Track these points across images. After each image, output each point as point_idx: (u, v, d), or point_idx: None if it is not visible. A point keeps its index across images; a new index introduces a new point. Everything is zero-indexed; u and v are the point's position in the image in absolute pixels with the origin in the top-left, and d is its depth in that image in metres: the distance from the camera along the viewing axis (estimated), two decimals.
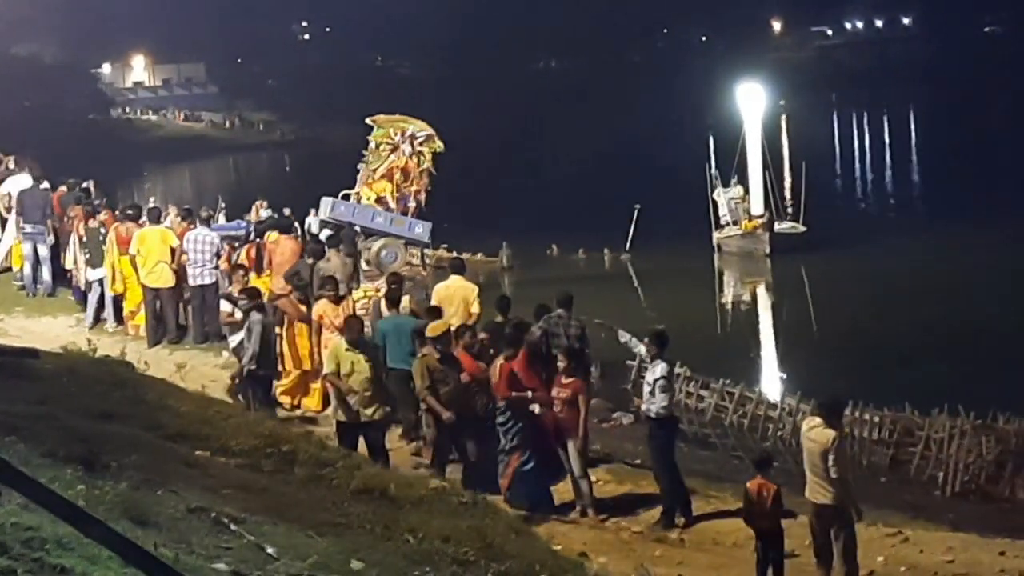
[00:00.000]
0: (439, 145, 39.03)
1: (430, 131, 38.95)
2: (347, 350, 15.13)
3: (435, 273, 35.15)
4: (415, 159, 38.90)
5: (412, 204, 38.82)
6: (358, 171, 39.33)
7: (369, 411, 15.10)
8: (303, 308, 18.54)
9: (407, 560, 8.78)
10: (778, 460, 20.08)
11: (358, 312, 18.41)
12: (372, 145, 39.34)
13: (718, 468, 18.97)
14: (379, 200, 38.73)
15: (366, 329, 16.84)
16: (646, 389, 15.28)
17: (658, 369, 15.15)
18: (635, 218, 44.19)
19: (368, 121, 39.78)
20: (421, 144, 38.96)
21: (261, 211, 37.42)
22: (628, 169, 65.49)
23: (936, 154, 73.31)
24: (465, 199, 41.58)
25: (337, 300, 18.33)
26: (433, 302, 18.27)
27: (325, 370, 15.66)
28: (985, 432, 19.07)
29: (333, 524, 9.26)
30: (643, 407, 15.48)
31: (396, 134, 39.04)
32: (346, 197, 38.84)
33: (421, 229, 39.75)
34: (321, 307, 17.98)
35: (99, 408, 11.16)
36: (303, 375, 18.60)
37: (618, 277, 41.40)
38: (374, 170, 39.19)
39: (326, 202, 39.08)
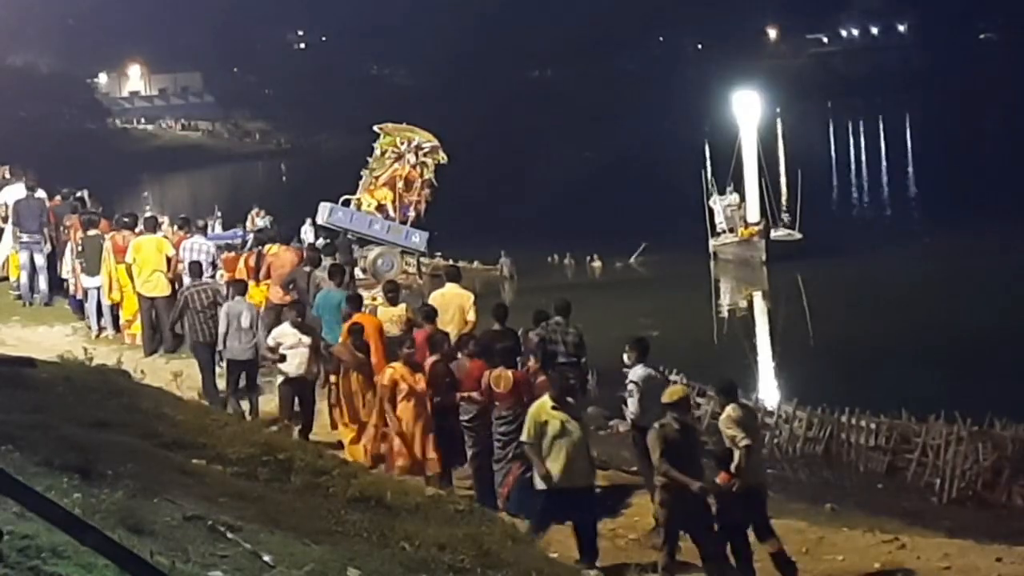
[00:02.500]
0: (443, 157, 39.22)
1: (435, 143, 39.13)
2: (554, 408, 13.24)
3: (431, 281, 35.20)
4: (418, 169, 39.10)
5: (412, 214, 38.97)
6: (361, 177, 39.48)
7: (581, 481, 13.45)
8: (360, 355, 16.66)
9: (403, 568, 8.78)
10: (775, 468, 20.16)
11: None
12: (377, 152, 39.58)
13: (714, 475, 18.95)
14: (379, 207, 38.94)
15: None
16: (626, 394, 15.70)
17: (631, 374, 15.45)
18: (640, 250, 44.25)
19: (376, 128, 39.99)
20: (426, 155, 39.17)
21: (257, 220, 37.49)
22: (624, 177, 65.57)
23: (932, 161, 73.39)
24: (461, 208, 41.57)
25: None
26: None
27: (524, 437, 13.48)
28: (982, 438, 19.06)
29: (329, 532, 9.26)
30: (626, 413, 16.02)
31: (402, 143, 39.26)
32: (346, 203, 38.98)
33: (418, 238, 39.93)
34: (398, 371, 15.68)
35: (95, 417, 11.15)
36: (360, 430, 16.70)
37: (613, 285, 41.40)
38: (377, 177, 39.40)
39: (324, 208, 39.29)
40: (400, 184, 39.12)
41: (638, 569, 13.00)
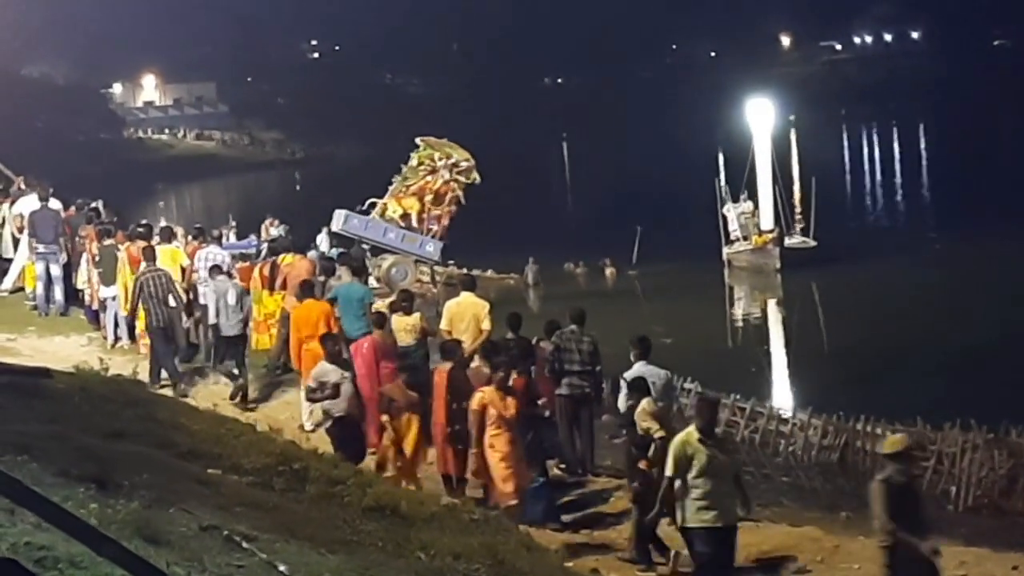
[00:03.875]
0: (476, 177, 39.34)
1: (472, 163, 39.27)
2: (700, 441, 12.07)
3: (446, 290, 35.22)
4: (450, 185, 39.26)
5: (435, 227, 39.10)
6: (391, 183, 39.64)
7: (728, 520, 12.33)
8: (413, 394, 16.05)
9: None
10: (790, 476, 20.14)
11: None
12: (413, 162, 39.79)
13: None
14: (404, 216, 39.09)
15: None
16: None
17: (630, 371, 15.86)
18: (638, 238, 44.20)
19: (417, 140, 40.13)
20: (459, 173, 39.31)
21: (272, 229, 37.53)
22: (637, 185, 65.48)
23: (945, 168, 73.27)
24: (475, 217, 41.54)
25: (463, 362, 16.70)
26: (444, 319, 18.35)
27: (667, 471, 12.26)
28: (997, 446, 19.01)
29: (345, 542, 9.26)
30: None
31: (440, 159, 39.40)
32: (372, 206, 39.13)
33: (432, 247, 40.01)
34: (488, 395, 14.94)
35: (111, 427, 11.17)
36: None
37: (626, 293, 41.36)
38: (408, 186, 39.54)
39: (339, 215, 39.40)
40: (429, 197, 39.30)
41: None
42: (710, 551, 12.17)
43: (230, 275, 22.51)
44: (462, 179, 39.50)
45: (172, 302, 20.58)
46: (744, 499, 12.48)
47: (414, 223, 39.29)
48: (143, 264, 20.83)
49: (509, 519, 13.72)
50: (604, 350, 17.64)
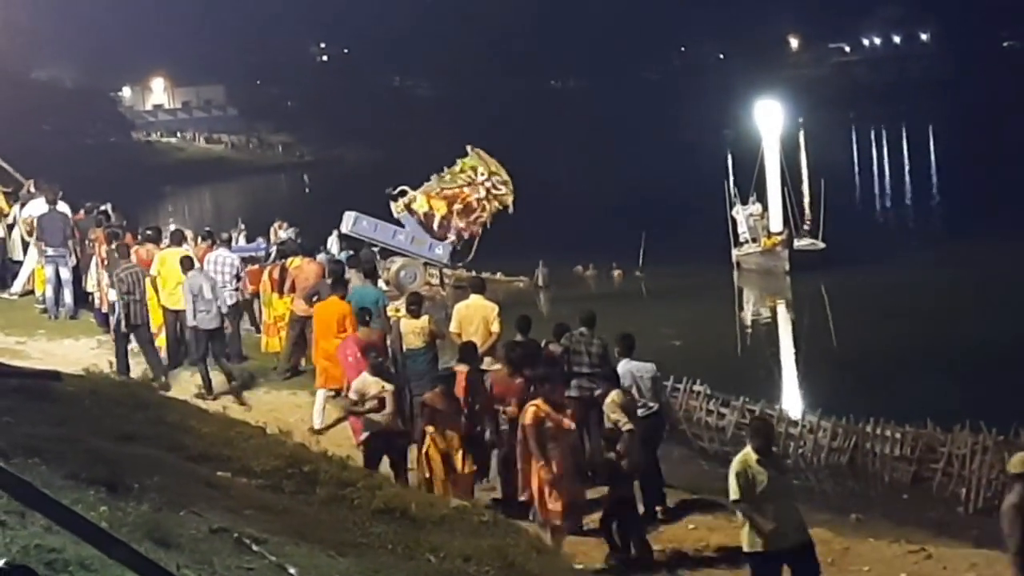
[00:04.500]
0: (509, 204, 39.33)
1: (510, 189, 39.32)
2: (758, 462, 11.60)
3: (455, 293, 35.21)
4: (482, 204, 39.32)
5: (453, 236, 39.15)
6: (428, 179, 39.74)
7: (798, 537, 11.90)
8: (456, 403, 15.63)
9: None
10: (799, 478, 20.12)
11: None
12: (456, 168, 39.78)
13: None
14: (427, 215, 39.14)
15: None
16: None
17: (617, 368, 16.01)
18: (643, 243, 44.20)
19: (468, 148, 40.14)
20: (496, 196, 39.37)
21: (280, 232, 37.51)
22: (646, 187, 65.44)
23: (955, 169, 73.15)
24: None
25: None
26: (454, 321, 18.37)
27: (732, 495, 11.72)
28: (1008, 448, 18.96)
29: (355, 544, 9.27)
30: None
31: (483, 173, 39.47)
32: (403, 193, 39.23)
33: (441, 250, 40.02)
34: (542, 408, 14.16)
35: (121, 430, 11.19)
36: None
37: (636, 295, 41.31)
38: (442, 188, 39.58)
39: (348, 216, 39.42)
40: (458, 206, 39.38)
41: None
42: (775, 572, 11.79)
43: (238, 277, 22.58)
44: (495, 202, 39.60)
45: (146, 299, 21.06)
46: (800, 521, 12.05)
47: (435, 226, 39.37)
48: (119, 262, 21.23)
49: (559, 537, 13.70)
50: (615, 352, 17.61)
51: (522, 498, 14.84)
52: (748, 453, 11.63)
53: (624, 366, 16.17)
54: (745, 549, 11.79)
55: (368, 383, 15.82)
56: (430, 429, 15.09)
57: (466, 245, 40.20)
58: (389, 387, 15.86)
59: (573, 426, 14.29)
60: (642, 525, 14.53)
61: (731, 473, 11.62)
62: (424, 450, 15.21)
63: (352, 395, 16.07)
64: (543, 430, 13.87)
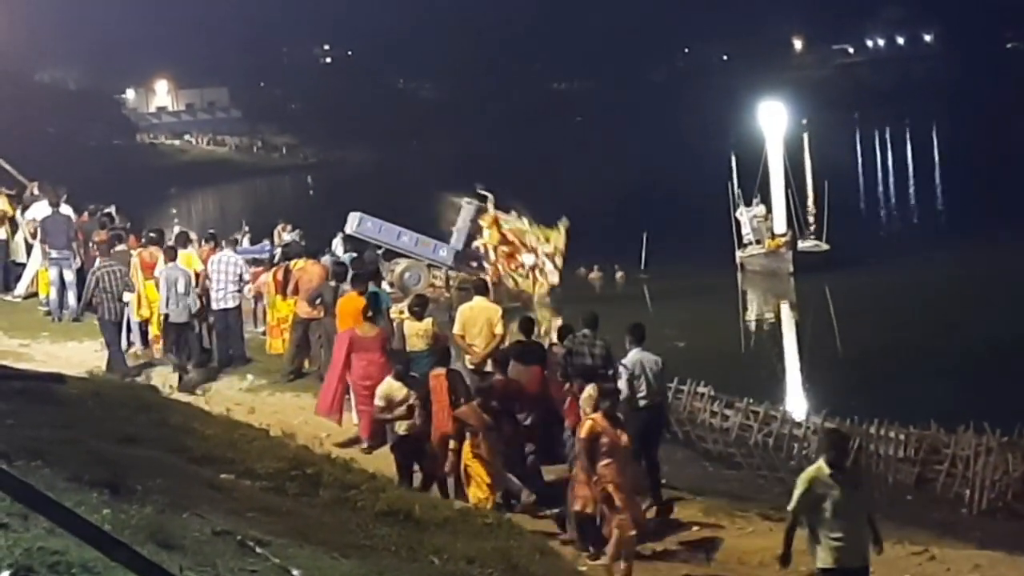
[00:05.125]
0: (540, 291, 39.37)
1: (556, 276, 39.42)
2: (831, 476, 10.92)
3: (460, 295, 35.19)
4: (527, 269, 39.45)
5: (475, 264, 39.28)
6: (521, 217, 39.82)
7: (858, 562, 11.29)
8: (488, 417, 15.02)
9: None
10: None
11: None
12: (540, 230, 39.90)
13: (743, 488, 18.95)
14: (484, 243, 39.43)
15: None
16: None
17: (626, 357, 16.27)
18: (645, 243, 44.20)
19: (564, 222, 40.09)
20: (541, 270, 39.49)
21: (284, 234, 37.53)
22: (650, 188, 65.46)
23: (959, 171, 73.06)
24: None
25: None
26: (458, 323, 18.34)
27: (791, 506, 11.15)
28: (1011, 449, 18.98)
29: (358, 546, 9.27)
30: None
31: (550, 248, 39.65)
32: (484, 198, 39.45)
33: (445, 252, 40.05)
34: (598, 423, 13.65)
35: (124, 432, 11.20)
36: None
37: (640, 297, 41.26)
38: (513, 231, 39.71)
39: (353, 217, 39.46)
40: (505, 250, 39.57)
41: None
42: None
43: (242, 278, 22.57)
44: (533, 279, 39.81)
45: (127, 297, 21.42)
46: (876, 536, 11.36)
47: (482, 251, 39.76)
48: (99, 259, 21.72)
49: (616, 552, 13.37)
50: (618, 353, 17.62)
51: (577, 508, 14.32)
52: (820, 466, 11.02)
53: (636, 355, 16.31)
54: (819, 566, 11.21)
55: (394, 388, 15.63)
56: (453, 445, 14.66)
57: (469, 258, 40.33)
58: (414, 393, 15.65)
59: (627, 441, 13.66)
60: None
61: (798, 484, 11.12)
62: (464, 466, 14.73)
63: (379, 401, 15.76)
64: (598, 445, 13.38)
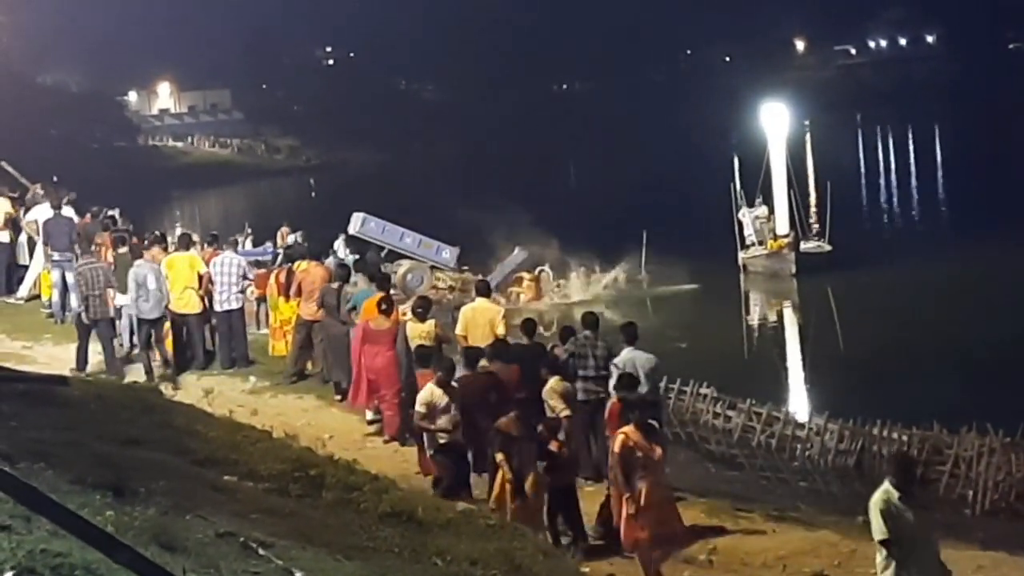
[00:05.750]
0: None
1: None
2: (901, 500, 10.65)
3: (462, 296, 35.17)
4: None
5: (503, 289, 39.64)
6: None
7: None
8: (528, 428, 14.58)
9: None
10: (807, 480, 20.12)
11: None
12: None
13: (745, 488, 18.96)
14: None
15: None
16: None
17: (619, 357, 16.55)
18: (644, 245, 44.20)
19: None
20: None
21: (287, 236, 37.58)
22: (652, 189, 65.45)
23: (961, 172, 73.08)
24: (490, 221, 41.60)
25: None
26: (460, 325, 18.34)
27: (879, 535, 10.70)
28: (1014, 450, 19.00)
29: (361, 548, 9.26)
30: None
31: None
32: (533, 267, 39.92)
33: (448, 254, 40.04)
34: (631, 436, 13.39)
35: (127, 434, 11.19)
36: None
37: (642, 298, 41.26)
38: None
39: (356, 217, 39.46)
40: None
41: None
42: None
43: (245, 277, 22.58)
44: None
45: (120, 299, 21.61)
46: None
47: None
48: (80, 257, 22.05)
49: (650, 566, 13.31)
50: (619, 341, 17.64)
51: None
52: (889, 490, 10.67)
53: (628, 354, 16.56)
54: None
55: (436, 395, 15.19)
56: (500, 457, 14.20)
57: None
58: (452, 401, 15.26)
59: (660, 454, 13.49)
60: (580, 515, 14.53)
61: (874, 512, 10.68)
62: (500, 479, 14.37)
63: (420, 408, 15.26)
64: (632, 459, 13.15)
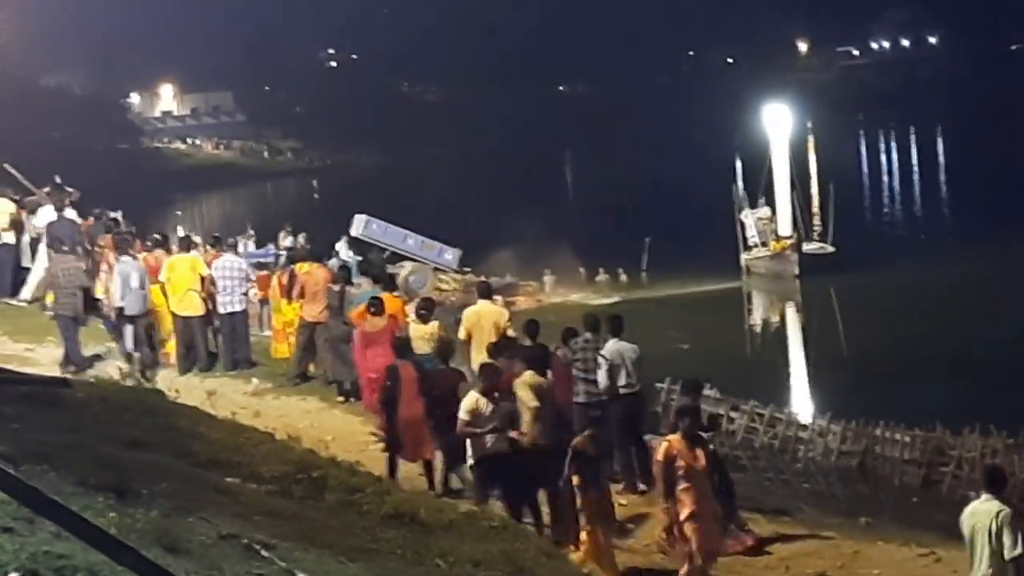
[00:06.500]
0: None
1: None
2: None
3: (465, 298, 35.19)
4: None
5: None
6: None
7: None
8: (604, 448, 14.40)
9: None
10: (809, 482, 20.12)
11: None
12: None
13: (748, 490, 18.91)
14: None
15: None
16: None
17: (604, 348, 16.96)
18: (647, 249, 44.22)
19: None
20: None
21: (287, 239, 37.64)
22: (655, 191, 65.49)
23: (964, 173, 73.07)
24: (492, 223, 41.68)
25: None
26: (463, 326, 18.29)
27: (1013, 551, 10.61)
28: (1017, 451, 18.98)
29: (364, 550, 9.26)
30: None
31: None
32: None
33: (450, 255, 40.10)
34: (675, 444, 12.98)
35: (130, 436, 11.19)
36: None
37: (643, 299, 41.26)
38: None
39: (359, 220, 39.51)
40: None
41: None
42: None
43: (248, 279, 22.57)
44: None
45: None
46: None
47: None
48: (54, 255, 22.27)
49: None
50: (604, 332, 17.67)
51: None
52: (1002, 505, 10.83)
53: (613, 345, 16.98)
54: None
55: (481, 403, 14.56)
56: (576, 480, 13.49)
57: None
58: (497, 409, 14.70)
59: (704, 464, 12.99)
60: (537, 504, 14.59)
61: (1005, 528, 10.73)
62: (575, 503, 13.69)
63: (464, 415, 14.56)
64: (675, 468, 12.74)
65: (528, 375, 14.79)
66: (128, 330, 21.34)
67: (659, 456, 12.97)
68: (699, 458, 12.83)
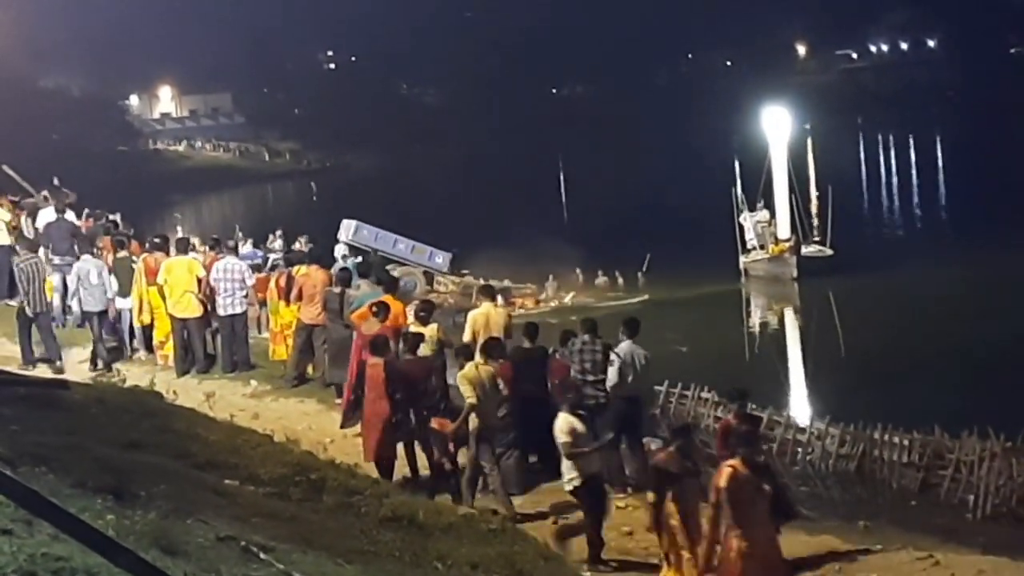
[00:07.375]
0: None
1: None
2: None
3: (462, 300, 35.18)
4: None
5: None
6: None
7: None
8: (690, 463, 13.22)
9: None
10: (807, 485, 20.09)
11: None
12: None
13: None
14: None
15: None
16: None
17: (619, 347, 17.12)
18: (646, 247, 44.23)
19: None
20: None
21: (277, 241, 37.65)
22: (653, 194, 65.47)
23: (962, 176, 73.11)
24: (492, 226, 41.69)
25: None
26: (468, 329, 18.23)
27: None
28: (1016, 454, 18.93)
29: (362, 552, 9.26)
30: None
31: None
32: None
33: (441, 259, 40.15)
34: (739, 468, 11.65)
35: (128, 438, 11.18)
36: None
37: (641, 302, 41.28)
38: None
39: (348, 225, 39.51)
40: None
41: None
42: None
43: (247, 282, 22.55)
44: None
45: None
46: None
47: None
48: (22, 252, 22.22)
49: None
50: (619, 334, 17.69)
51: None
52: None
53: (628, 346, 17.07)
54: None
55: (574, 421, 14.16)
56: (651, 496, 12.82)
57: None
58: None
59: (770, 491, 11.83)
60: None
61: None
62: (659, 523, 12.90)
63: (566, 437, 14.02)
64: (740, 495, 11.47)
65: (469, 368, 15.50)
66: (96, 325, 22.02)
67: (722, 483, 11.51)
68: (764, 487, 11.72)
